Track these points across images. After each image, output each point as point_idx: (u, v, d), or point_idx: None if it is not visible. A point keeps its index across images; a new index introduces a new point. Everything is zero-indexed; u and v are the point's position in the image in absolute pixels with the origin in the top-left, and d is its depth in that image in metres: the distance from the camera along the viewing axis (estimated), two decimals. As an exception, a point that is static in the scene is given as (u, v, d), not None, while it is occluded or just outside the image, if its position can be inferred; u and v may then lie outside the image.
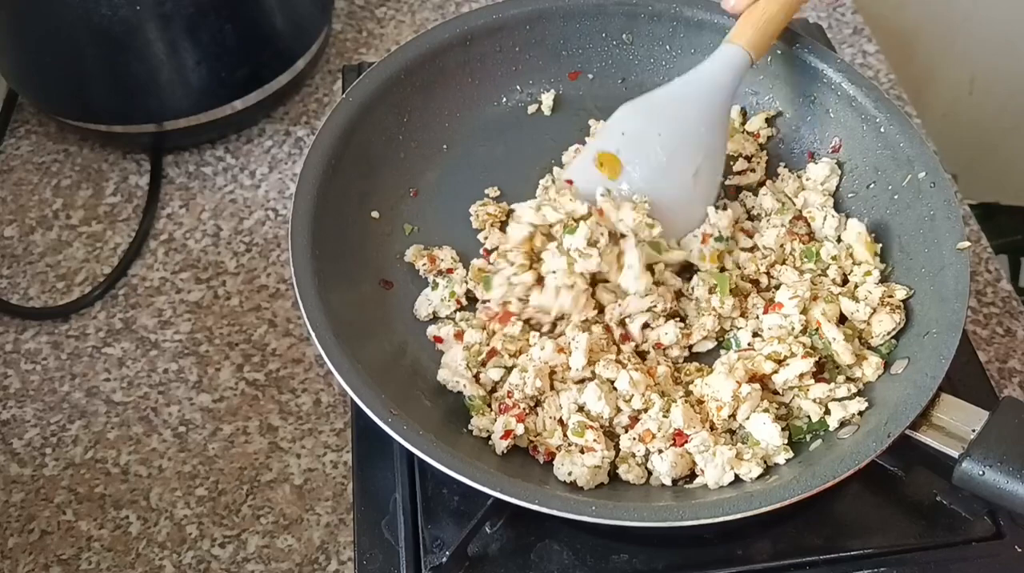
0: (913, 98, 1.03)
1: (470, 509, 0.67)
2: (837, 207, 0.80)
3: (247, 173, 0.98)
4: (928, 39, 1.43)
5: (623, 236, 0.73)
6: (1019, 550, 0.68)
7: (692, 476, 0.68)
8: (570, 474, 0.67)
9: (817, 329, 0.71)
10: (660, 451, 0.67)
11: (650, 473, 0.68)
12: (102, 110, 0.94)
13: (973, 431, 0.63)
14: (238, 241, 0.93)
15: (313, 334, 0.66)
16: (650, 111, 0.77)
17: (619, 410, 0.69)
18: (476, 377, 0.71)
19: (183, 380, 0.84)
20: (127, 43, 0.88)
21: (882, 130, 0.78)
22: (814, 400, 0.69)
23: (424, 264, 0.77)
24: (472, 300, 0.76)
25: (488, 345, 0.72)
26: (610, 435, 0.69)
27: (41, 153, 1.00)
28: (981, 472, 0.62)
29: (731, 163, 0.83)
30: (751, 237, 0.78)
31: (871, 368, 0.70)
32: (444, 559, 0.66)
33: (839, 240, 0.77)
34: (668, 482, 0.67)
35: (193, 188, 0.97)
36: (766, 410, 0.68)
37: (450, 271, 0.77)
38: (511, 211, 0.79)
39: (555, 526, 0.67)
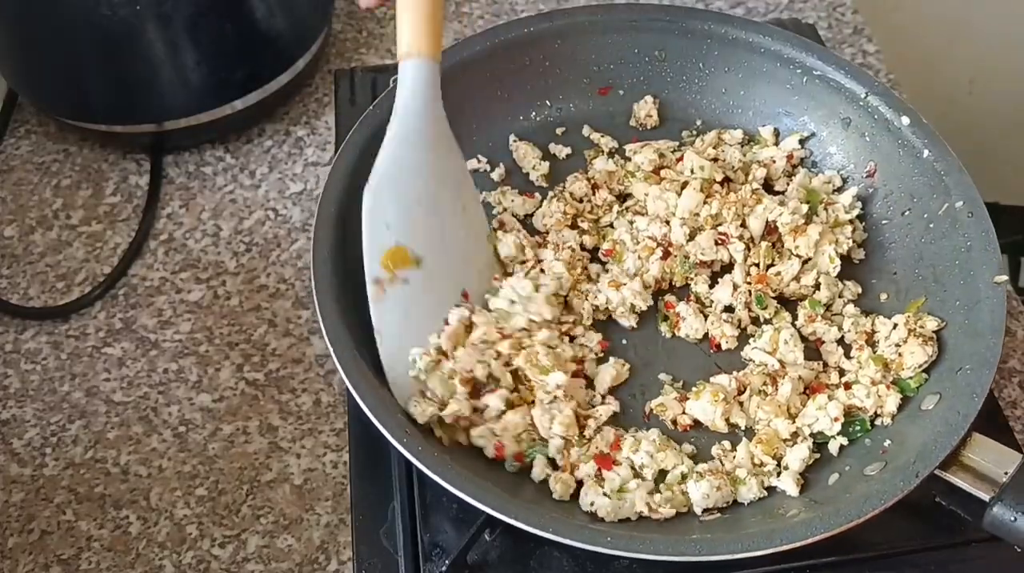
0: (913, 98, 1.03)
1: (469, 517, 0.67)
2: (870, 234, 0.81)
3: (247, 173, 0.98)
4: (928, 39, 1.43)
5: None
6: (1019, 550, 0.67)
7: (725, 507, 0.68)
8: (592, 505, 0.66)
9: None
10: (700, 475, 0.67)
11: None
12: (102, 110, 0.94)
13: (1005, 474, 0.62)
14: (238, 241, 0.93)
15: (338, 362, 0.67)
16: (392, 182, 0.72)
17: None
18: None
19: (183, 380, 0.84)
20: (127, 43, 0.88)
21: (919, 157, 0.77)
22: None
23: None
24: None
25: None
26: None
27: (41, 153, 1.00)
28: (1013, 518, 0.60)
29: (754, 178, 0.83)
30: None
31: (893, 404, 0.70)
32: (444, 567, 0.66)
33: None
34: (699, 511, 0.67)
35: (193, 188, 0.97)
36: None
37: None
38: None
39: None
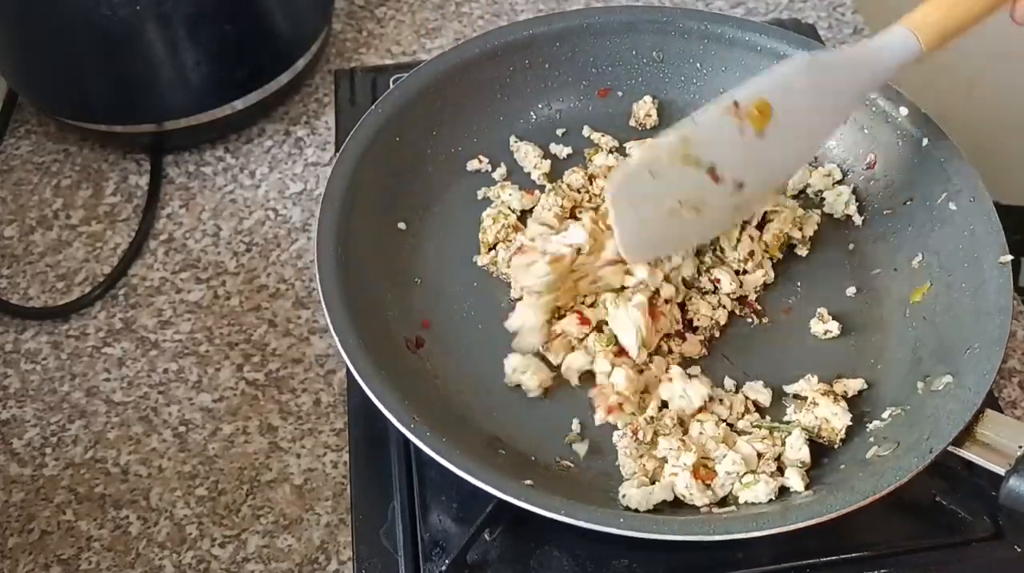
0: (913, 98, 1.02)
1: (469, 516, 0.67)
2: (871, 225, 0.81)
3: (247, 173, 0.98)
4: (928, 39, 1.42)
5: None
6: (1019, 550, 0.68)
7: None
8: (624, 497, 0.66)
9: None
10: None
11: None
12: (102, 110, 0.94)
13: (1020, 448, 0.62)
14: (238, 241, 0.93)
15: (342, 349, 0.67)
16: (820, 72, 0.71)
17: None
18: None
19: (183, 380, 0.84)
20: (127, 43, 0.88)
21: (919, 146, 0.78)
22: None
23: None
24: None
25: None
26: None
27: (41, 153, 1.00)
28: None
29: None
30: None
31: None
32: (444, 567, 0.66)
33: None
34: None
35: (193, 188, 0.97)
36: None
37: None
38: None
39: (554, 532, 0.67)
